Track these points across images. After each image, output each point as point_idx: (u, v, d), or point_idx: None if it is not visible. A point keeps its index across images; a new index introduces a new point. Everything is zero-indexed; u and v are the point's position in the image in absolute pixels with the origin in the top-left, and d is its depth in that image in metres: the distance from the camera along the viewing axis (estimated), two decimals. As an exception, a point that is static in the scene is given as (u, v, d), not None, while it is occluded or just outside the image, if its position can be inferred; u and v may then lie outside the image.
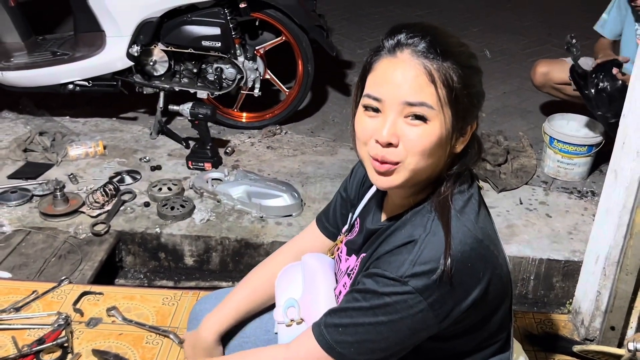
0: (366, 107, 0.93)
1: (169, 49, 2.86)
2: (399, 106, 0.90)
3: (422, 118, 0.91)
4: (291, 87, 3.12)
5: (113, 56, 2.86)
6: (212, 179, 2.59)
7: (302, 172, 2.73)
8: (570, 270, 2.21)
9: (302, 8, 2.85)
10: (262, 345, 1.23)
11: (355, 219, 1.14)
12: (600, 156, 2.60)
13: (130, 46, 2.81)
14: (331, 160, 2.85)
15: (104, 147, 2.84)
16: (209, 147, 2.73)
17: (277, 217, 2.34)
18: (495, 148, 2.64)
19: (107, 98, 3.21)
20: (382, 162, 0.93)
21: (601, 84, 2.38)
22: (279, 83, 3.09)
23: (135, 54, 2.82)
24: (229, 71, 2.92)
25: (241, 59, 2.89)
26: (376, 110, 0.92)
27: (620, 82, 2.38)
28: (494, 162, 2.59)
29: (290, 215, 2.34)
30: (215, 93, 2.94)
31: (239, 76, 2.92)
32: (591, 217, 2.33)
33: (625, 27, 2.64)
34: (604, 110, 2.38)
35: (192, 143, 2.86)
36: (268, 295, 1.27)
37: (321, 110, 3.38)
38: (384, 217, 1.07)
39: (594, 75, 2.42)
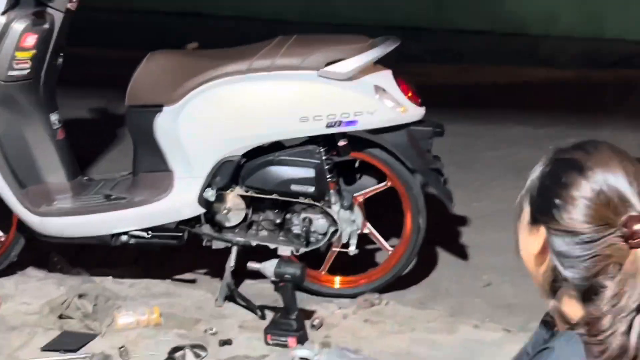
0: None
1: (248, 193, 3.20)
2: None
3: None
4: (395, 246, 3.40)
5: (181, 201, 3.19)
6: (300, 358, 2.78)
7: (412, 354, 2.93)
8: None
9: (415, 148, 3.18)
10: None
11: None
12: None
13: (203, 190, 3.13)
14: (449, 340, 3.06)
15: (160, 315, 3.13)
16: (294, 318, 2.96)
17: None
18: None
19: (159, 255, 3.53)
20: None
21: None
22: (381, 239, 3.37)
23: (211, 199, 3.13)
24: (319, 222, 3.21)
25: (336, 207, 3.19)
26: None
27: None
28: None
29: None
30: (301, 250, 3.21)
31: (331, 229, 3.21)
32: None
33: None
34: None
35: (270, 313, 3.14)
36: None
37: (431, 277, 3.65)
38: None
39: None
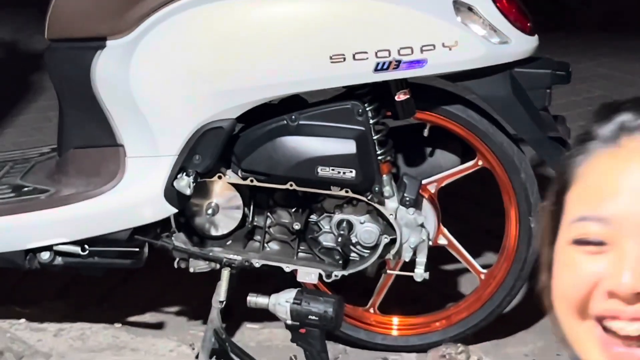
0: (579, 241, 1.01)
1: (246, 182, 2.82)
2: None
3: None
4: (492, 266, 3.04)
5: (138, 196, 2.88)
6: None
7: None
8: None
9: (523, 105, 2.80)
10: None
11: None
12: None
13: (174, 176, 2.78)
14: None
15: None
16: None
17: None
18: None
19: (102, 284, 3.25)
20: (626, 339, 1.00)
21: None
22: (467, 256, 3.01)
23: (187, 192, 2.76)
24: (365, 229, 2.84)
25: (392, 204, 2.81)
26: (599, 243, 1.00)
27: None
28: None
29: None
30: (336, 274, 2.86)
31: (385, 239, 2.83)
32: None
33: None
34: None
35: None
36: None
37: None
38: None
39: None
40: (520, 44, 2.78)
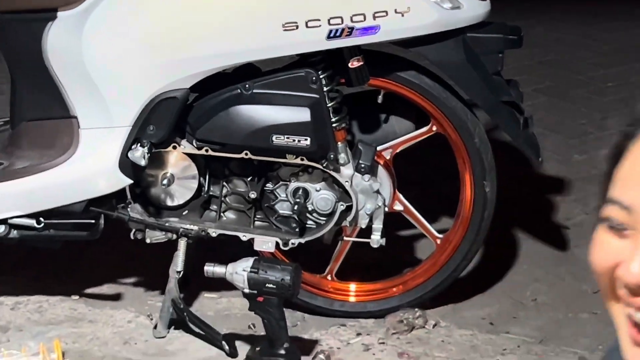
0: (607, 220, 1.04)
1: (201, 152, 2.84)
2: None
3: None
4: (447, 231, 3.05)
5: (92, 167, 2.89)
6: None
7: None
8: None
9: (475, 69, 2.82)
10: None
11: None
12: None
13: (129, 147, 2.80)
14: None
15: (63, 355, 2.80)
16: (283, 353, 2.71)
17: None
18: None
19: (58, 257, 3.27)
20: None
21: None
22: (424, 221, 3.03)
23: (141, 162, 2.78)
24: (321, 196, 2.88)
25: (347, 171, 2.83)
26: (622, 228, 1.02)
27: None
28: None
29: None
30: (293, 242, 2.89)
31: (341, 206, 2.87)
32: None
33: None
34: None
35: (242, 345, 2.84)
36: None
37: (507, 279, 3.32)
38: None
39: None
40: (472, 9, 2.80)
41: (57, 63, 2.82)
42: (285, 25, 2.71)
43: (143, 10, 2.84)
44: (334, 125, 2.72)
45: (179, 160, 2.84)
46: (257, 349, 2.67)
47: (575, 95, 4.96)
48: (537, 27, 5.45)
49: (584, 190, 3.93)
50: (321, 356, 2.76)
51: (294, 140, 2.73)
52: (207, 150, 2.78)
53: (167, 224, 2.90)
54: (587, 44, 5.54)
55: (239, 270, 2.58)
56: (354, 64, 2.70)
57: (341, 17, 2.71)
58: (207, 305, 3.08)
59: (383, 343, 2.83)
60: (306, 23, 2.72)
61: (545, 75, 4.90)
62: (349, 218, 2.81)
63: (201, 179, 2.86)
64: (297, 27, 2.72)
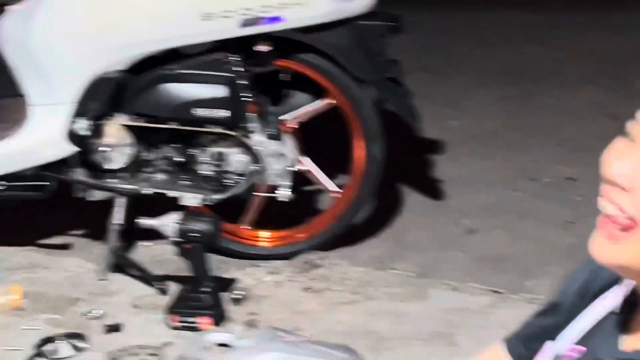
0: (625, 134, 1.13)
1: (135, 123, 3.08)
2: None
3: None
4: (343, 185, 3.32)
5: (41, 138, 3.09)
6: (217, 344, 2.53)
7: (370, 330, 2.90)
8: None
9: (364, 51, 3.11)
10: None
11: (570, 346, 1.34)
12: None
13: (73, 121, 3.01)
14: (419, 308, 3.04)
15: (22, 297, 3.03)
16: (207, 290, 2.91)
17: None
18: None
19: (16, 214, 3.45)
20: (605, 217, 1.12)
21: None
22: (323, 179, 3.30)
23: (84, 133, 3.00)
24: (236, 159, 3.13)
25: (258, 137, 3.09)
26: (630, 138, 1.12)
27: None
28: None
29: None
30: (213, 197, 3.12)
31: (253, 167, 3.12)
32: None
33: None
34: None
35: (173, 285, 3.08)
36: None
37: (393, 226, 3.60)
38: (627, 346, 1.23)
39: None
40: (361, 1, 3.13)
41: (10, 49, 3.08)
42: (204, 15, 3.02)
43: (80, 4, 3.15)
44: (245, 99, 3.04)
45: (116, 131, 3.13)
46: (185, 287, 2.99)
47: (449, 72, 5.24)
48: (428, 17, 5.66)
49: (456, 150, 4.26)
50: (237, 294, 3.06)
51: (212, 112, 3.06)
52: (140, 121, 3.11)
53: (107, 185, 3.18)
54: (464, 30, 5.83)
55: (169, 222, 2.89)
56: (262, 48, 3.04)
57: (252, 9, 3.03)
58: (143, 253, 3.37)
59: (291, 280, 3.16)
60: (221, 13, 3.03)
61: (426, 57, 5.12)
62: (261, 177, 3.12)
63: (136, 146, 3.15)
64: (213, 17, 3.04)
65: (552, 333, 1.45)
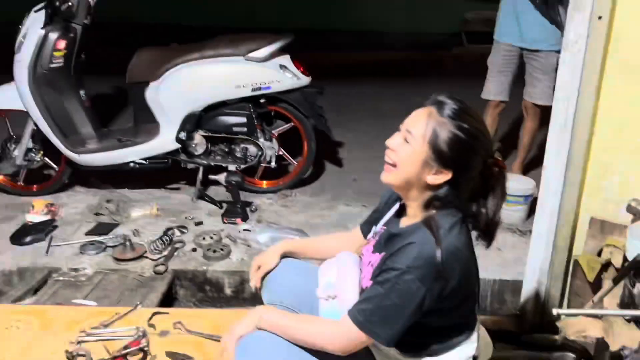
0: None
1: (207, 134, 3.44)
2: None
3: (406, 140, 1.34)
4: (299, 160, 3.74)
5: (165, 141, 3.40)
6: (243, 230, 3.12)
7: (310, 223, 3.40)
8: (517, 288, 2.77)
9: (307, 102, 3.56)
10: (295, 289, 1.69)
11: (381, 226, 1.43)
12: (534, 202, 2.99)
13: (178, 133, 3.38)
14: (331, 213, 3.50)
15: (158, 210, 3.35)
16: (239, 206, 3.34)
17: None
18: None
19: (158, 173, 3.77)
20: (386, 163, 1.29)
21: None
22: (290, 158, 3.80)
23: (182, 139, 3.38)
24: (252, 149, 3.51)
25: (261, 140, 3.55)
26: (400, 129, 1.30)
27: None
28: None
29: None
30: (242, 166, 3.53)
31: (259, 153, 3.53)
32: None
33: None
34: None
35: (225, 204, 3.41)
36: (320, 256, 1.77)
37: (320, 179, 4.00)
38: (403, 224, 1.34)
39: None
40: (304, 80, 3.43)
41: (151, 102, 3.33)
42: (236, 86, 3.29)
43: (183, 81, 3.24)
44: (255, 123, 3.41)
45: (198, 137, 3.34)
46: (229, 205, 3.26)
47: (351, 110, 5.02)
48: (354, 87, 5.74)
49: (352, 145, 4.26)
50: (253, 208, 3.36)
51: (241, 129, 3.38)
52: (209, 133, 3.38)
53: (195, 161, 3.37)
54: (368, 93, 5.78)
55: (222, 177, 3.31)
56: (262, 101, 3.45)
57: (257, 83, 3.30)
58: (210, 191, 3.55)
59: (277, 203, 3.47)
60: (243, 85, 3.32)
61: (335, 106, 4.75)
62: (262, 157, 3.53)
63: (208, 144, 3.39)
64: (240, 87, 3.31)
65: (377, 220, 1.53)
